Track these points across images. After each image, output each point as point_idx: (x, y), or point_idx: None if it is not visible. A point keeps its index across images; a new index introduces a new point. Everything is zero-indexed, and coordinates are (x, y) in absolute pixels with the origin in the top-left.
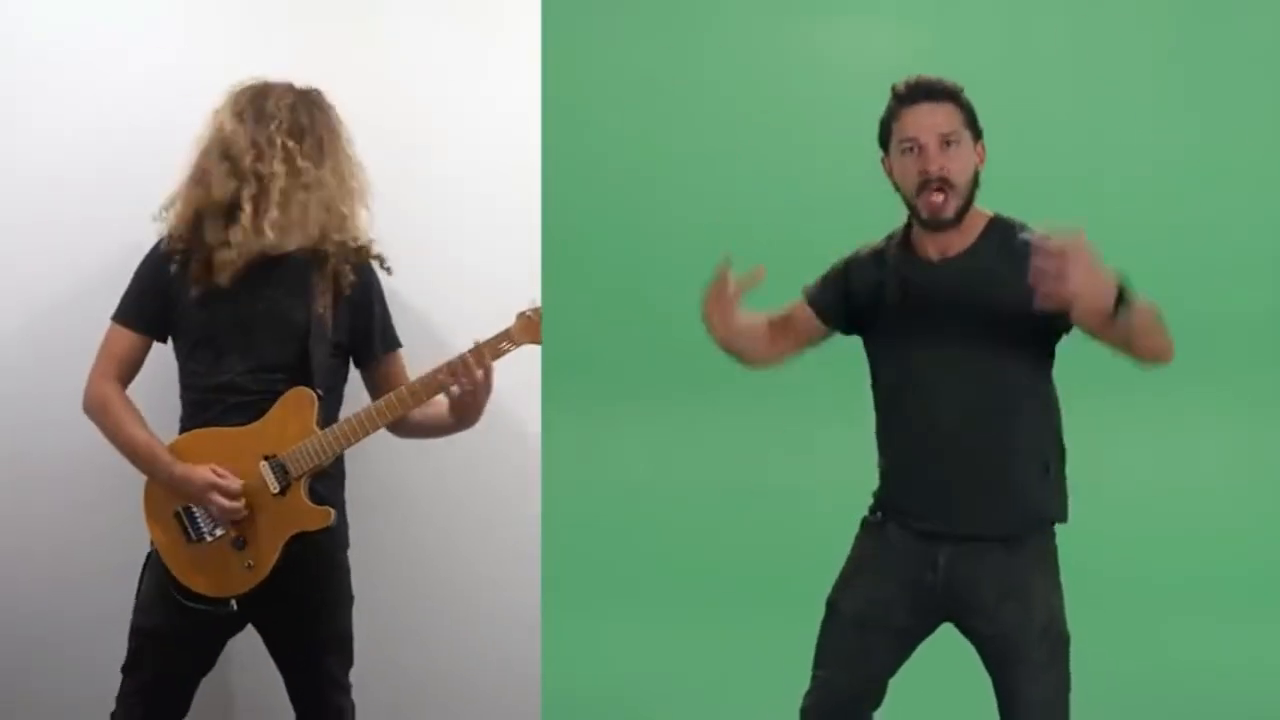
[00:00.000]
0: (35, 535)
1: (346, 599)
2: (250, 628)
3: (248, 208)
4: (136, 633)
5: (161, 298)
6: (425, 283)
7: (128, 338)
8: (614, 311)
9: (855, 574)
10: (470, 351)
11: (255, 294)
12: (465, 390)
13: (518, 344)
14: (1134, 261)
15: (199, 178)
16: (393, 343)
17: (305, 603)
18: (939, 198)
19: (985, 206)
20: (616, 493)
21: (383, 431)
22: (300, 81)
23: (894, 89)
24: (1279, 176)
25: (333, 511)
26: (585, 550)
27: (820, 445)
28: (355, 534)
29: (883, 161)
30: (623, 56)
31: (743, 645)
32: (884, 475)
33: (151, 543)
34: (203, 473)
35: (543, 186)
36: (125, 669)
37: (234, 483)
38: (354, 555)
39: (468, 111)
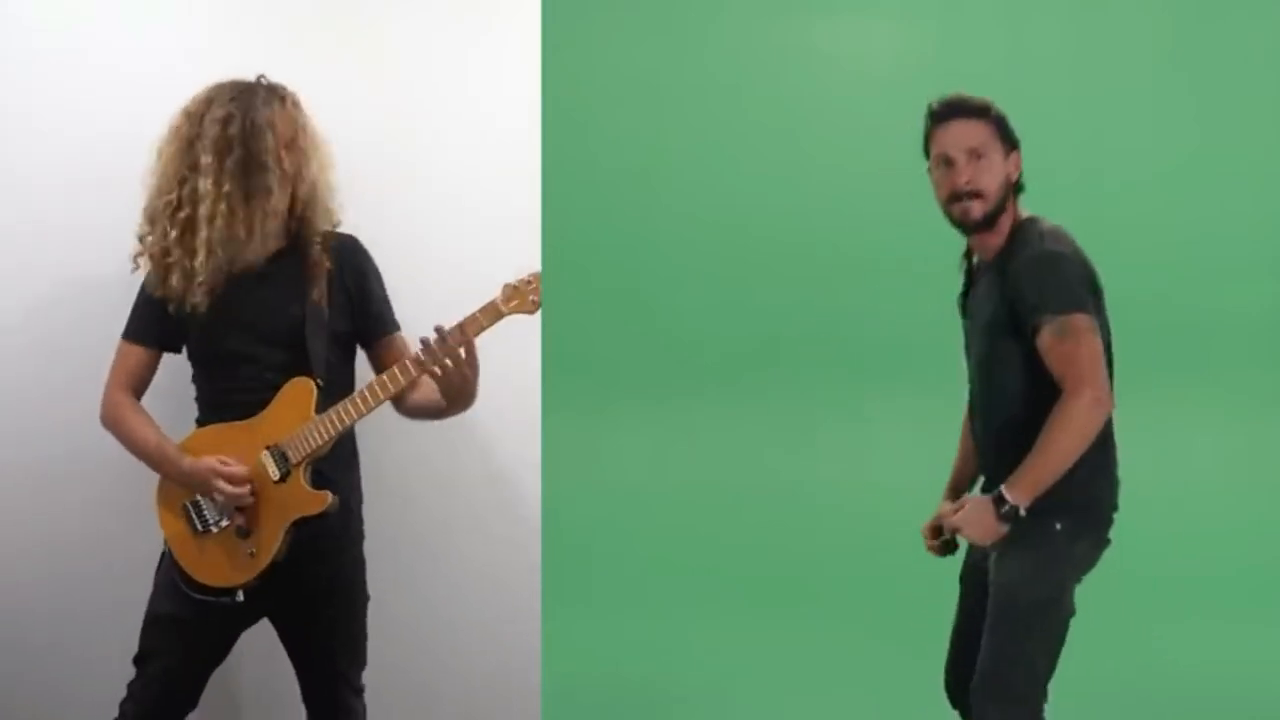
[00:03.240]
0: (42, 535)
1: (361, 597)
2: (266, 625)
3: (201, 227)
4: (149, 624)
5: (161, 311)
6: (425, 282)
7: (136, 353)
8: (614, 311)
9: None
10: (447, 329)
11: (247, 299)
12: (448, 369)
13: (506, 314)
14: (1134, 261)
15: (153, 195)
16: (392, 325)
17: (319, 599)
18: (966, 206)
19: None
20: (616, 493)
21: (382, 431)
22: (259, 75)
23: (930, 107)
24: (1279, 176)
25: (331, 495)
26: (585, 550)
27: (820, 444)
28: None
29: (929, 173)
30: (623, 56)
31: (742, 644)
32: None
33: (165, 539)
34: (208, 462)
35: (543, 186)
36: (136, 660)
37: (238, 468)
38: None
39: (468, 111)
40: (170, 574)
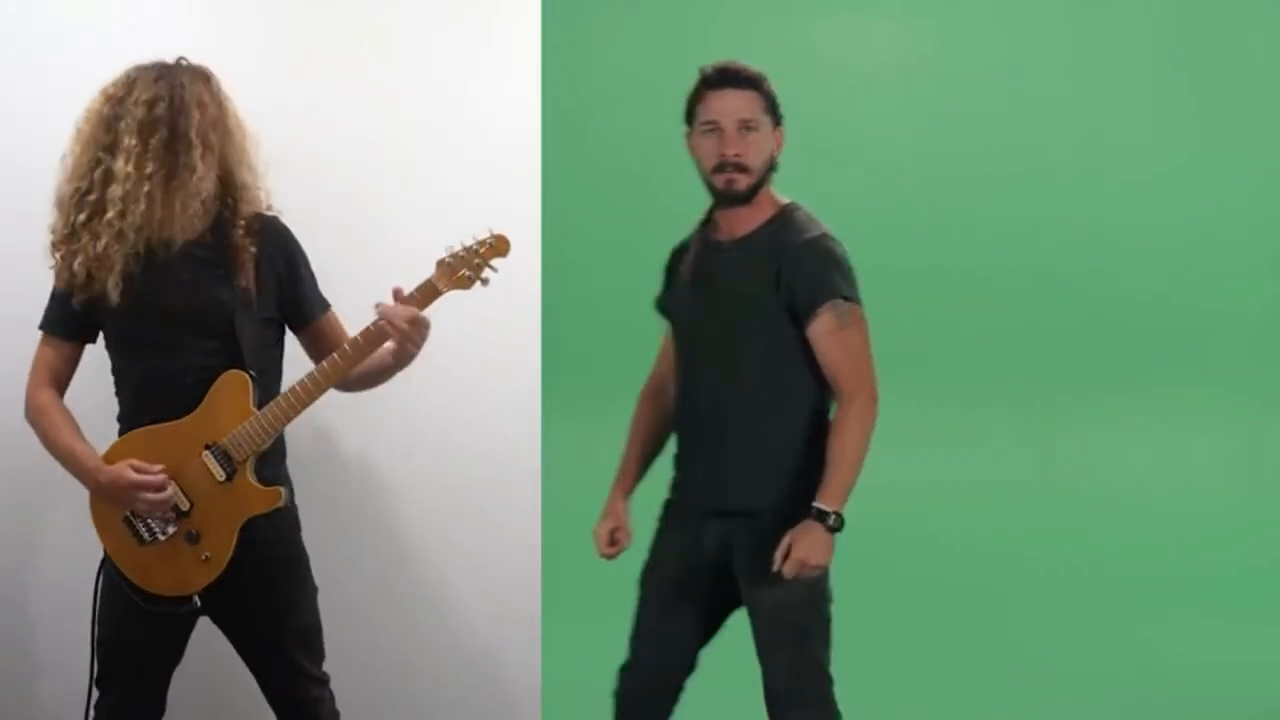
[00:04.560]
0: (28, 535)
1: (308, 587)
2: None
3: (109, 210)
4: (102, 645)
5: (69, 302)
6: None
7: (52, 345)
8: (614, 311)
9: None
10: (387, 306)
11: (168, 285)
12: (400, 339)
13: (442, 291)
14: (1134, 261)
15: (62, 181)
16: (321, 306)
17: (261, 593)
18: (732, 178)
19: (988, 204)
20: None
21: (381, 432)
22: (179, 57)
23: (702, 71)
24: (1279, 176)
25: (282, 491)
26: (585, 550)
27: None
28: (352, 534)
29: (686, 137)
30: (623, 56)
31: (742, 644)
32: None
33: (105, 551)
34: (121, 472)
35: (543, 186)
36: (97, 682)
37: (154, 475)
38: (353, 556)
39: (468, 112)
40: (118, 588)
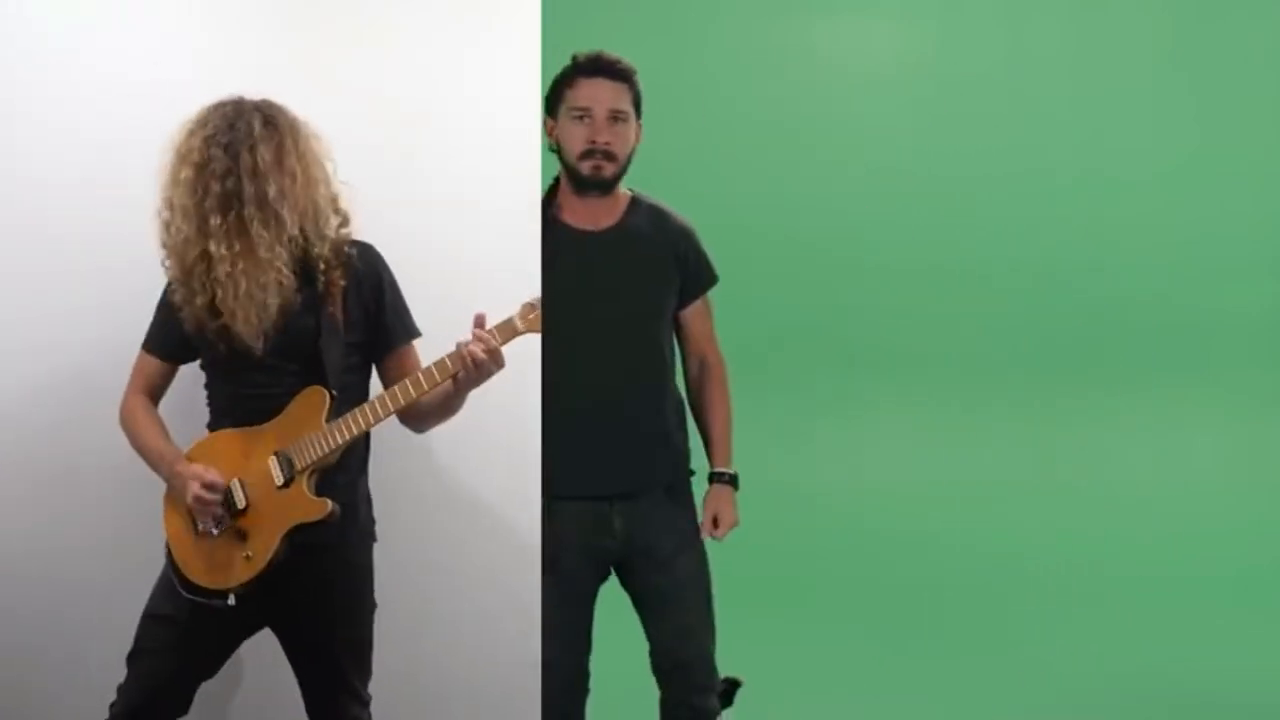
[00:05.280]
0: (42, 538)
1: (367, 604)
2: (268, 637)
3: (218, 283)
4: (144, 620)
5: (177, 326)
6: (425, 283)
7: (152, 363)
8: None
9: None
10: (471, 342)
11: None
12: (469, 374)
13: (521, 332)
14: (1134, 261)
15: (171, 238)
16: (410, 332)
17: (320, 599)
18: (599, 165)
19: (988, 204)
20: None
21: (380, 431)
22: (239, 98)
23: (575, 58)
24: (1279, 176)
25: (330, 503)
26: None
27: (819, 442)
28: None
29: (546, 123)
30: (623, 56)
31: (742, 644)
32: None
33: (166, 537)
34: (191, 468)
35: (543, 187)
36: (129, 658)
37: (214, 477)
38: None
39: (467, 111)
40: (168, 573)
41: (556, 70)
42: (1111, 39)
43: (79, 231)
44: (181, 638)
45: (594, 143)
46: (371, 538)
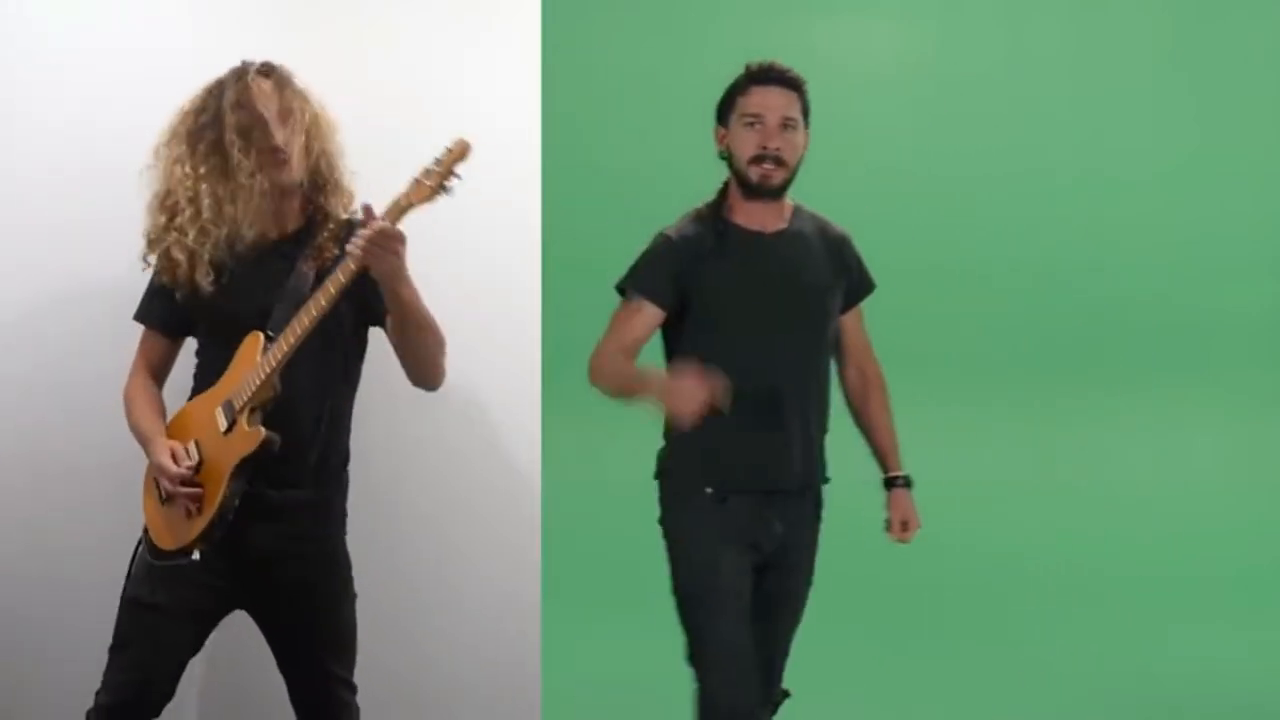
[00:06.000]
0: (42, 535)
1: (346, 593)
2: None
3: (183, 211)
4: (122, 609)
5: (168, 298)
6: (425, 283)
7: (148, 337)
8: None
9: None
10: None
11: (254, 275)
12: (367, 258)
13: (414, 204)
14: (1134, 261)
15: (149, 189)
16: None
17: (302, 588)
18: (769, 171)
19: (988, 204)
20: (616, 493)
21: (381, 434)
22: (249, 61)
23: (748, 67)
24: (1279, 176)
25: (264, 431)
26: (585, 550)
27: None
28: (351, 534)
29: (716, 132)
30: (623, 56)
31: None
32: (707, 449)
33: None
34: (163, 445)
35: (543, 186)
36: (111, 649)
37: (180, 469)
38: (353, 556)
39: (467, 111)
40: (142, 554)
41: (556, 70)
42: (1111, 39)
43: (78, 229)
44: (160, 623)
45: (765, 148)
46: (343, 525)
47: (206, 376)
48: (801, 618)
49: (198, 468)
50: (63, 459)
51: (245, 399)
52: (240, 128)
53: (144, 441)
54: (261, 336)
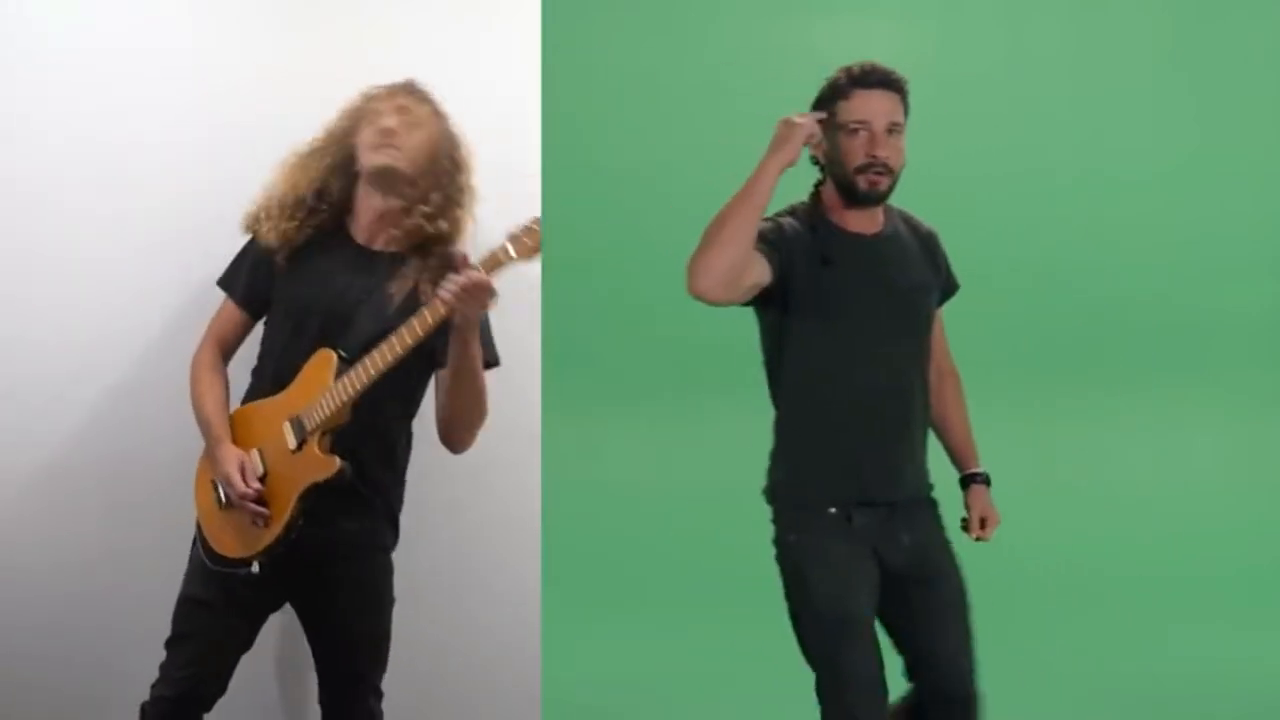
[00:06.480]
0: (76, 541)
1: (387, 599)
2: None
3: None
4: (179, 605)
5: (257, 268)
6: None
7: (228, 308)
8: (614, 311)
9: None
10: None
11: (336, 276)
12: (460, 307)
13: (513, 259)
14: (1134, 261)
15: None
16: (489, 359)
17: (350, 588)
18: (876, 179)
19: (988, 204)
20: (616, 493)
21: None
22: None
23: (849, 70)
24: (1279, 176)
25: (339, 460)
26: (585, 550)
27: None
28: None
29: (824, 134)
30: (623, 56)
31: (742, 645)
32: (827, 464)
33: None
34: (231, 454)
35: (543, 186)
36: (168, 643)
37: (247, 487)
38: None
39: (467, 111)
40: (197, 551)
41: (556, 70)
42: (1111, 39)
43: (79, 229)
44: (215, 619)
45: (874, 156)
46: (390, 541)
47: (266, 366)
48: (970, 611)
49: (263, 477)
50: (79, 463)
51: (317, 422)
52: (362, 113)
53: (209, 438)
54: (334, 356)
